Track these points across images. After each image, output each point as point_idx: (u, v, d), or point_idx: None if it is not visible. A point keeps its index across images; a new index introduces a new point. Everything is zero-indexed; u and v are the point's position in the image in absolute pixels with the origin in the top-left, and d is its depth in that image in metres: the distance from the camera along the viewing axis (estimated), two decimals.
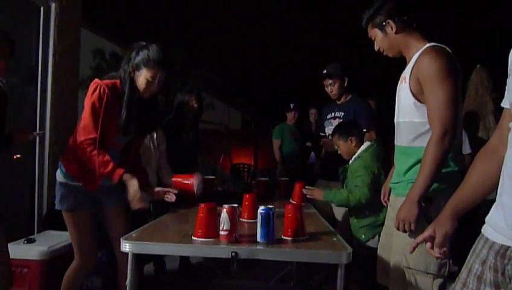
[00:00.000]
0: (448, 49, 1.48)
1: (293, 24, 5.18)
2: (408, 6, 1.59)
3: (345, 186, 2.36)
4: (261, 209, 1.35)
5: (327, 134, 2.82)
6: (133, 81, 1.76)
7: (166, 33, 6.01)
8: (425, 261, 1.48)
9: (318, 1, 4.50)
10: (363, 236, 2.19)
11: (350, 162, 2.35)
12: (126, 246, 1.29)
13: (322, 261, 1.27)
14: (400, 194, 1.61)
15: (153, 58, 1.72)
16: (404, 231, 1.46)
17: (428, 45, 1.50)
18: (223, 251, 1.26)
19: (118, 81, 1.76)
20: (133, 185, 1.64)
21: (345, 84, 2.74)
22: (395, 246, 1.59)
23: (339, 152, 2.42)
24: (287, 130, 4.29)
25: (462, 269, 1.03)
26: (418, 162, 1.52)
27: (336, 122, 2.76)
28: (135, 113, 1.74)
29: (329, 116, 2.84)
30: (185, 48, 6.24)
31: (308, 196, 2.35)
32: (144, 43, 1.78)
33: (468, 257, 1.02)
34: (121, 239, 1.31)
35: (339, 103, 2.80)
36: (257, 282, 2.78)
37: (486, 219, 1.00)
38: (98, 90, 1.68)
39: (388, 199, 1.92)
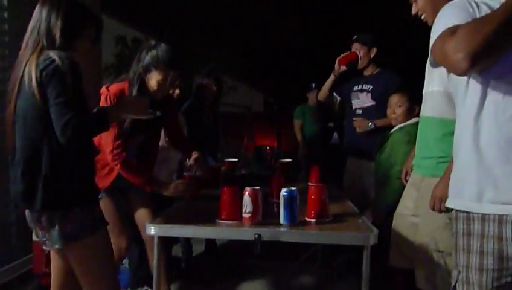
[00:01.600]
0: None
1: (314, 5, 5.02)
2: None
3: (379, 153, 2.28)
4: (283, 191, 1.33)
5: (354, 107, 2.74)
6: (143, 84, 1.75)
7: (186, 17, 5.98)
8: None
9: None
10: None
11: (393, 130, 2.25)
12: (151, 230, 1.31)
13: (347, 243, 1.25)
14: (428, 175, 1.54)
15: (162, 59, 1.69)
16: (440, 211, 1.39)
17: None
18: (246, 233, 1.26)
19: (127, 85, 1.75)
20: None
21: (372, 55, 2.62)
22: (422, 228, 1.54)
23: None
24: (308, 111, 4.22)
25: (458, 256, 1.01)
26: (449, 134, 1.44)
27: (363, 95, 2.65)
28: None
29: (355, 88, 2.70)
30: (206, 31, 6.20)
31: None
32: (153, 43, 1.75)
33: (458, 240, 1.02)
34: (146, 223, 1.33)
35: (366, 74, 2.68)
36: (282, 262, 2.80)
37: (456, 195, 1.02)
38: (107, 101, 1.70)
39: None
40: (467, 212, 0.99)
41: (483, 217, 0.96)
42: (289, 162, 2.69)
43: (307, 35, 6.15)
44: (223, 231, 1.31)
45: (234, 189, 1.38)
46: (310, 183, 2.29)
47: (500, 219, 0.93)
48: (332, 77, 2.76)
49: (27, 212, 1.25)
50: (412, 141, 2.08)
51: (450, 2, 1.13)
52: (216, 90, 2.72)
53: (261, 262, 2.73)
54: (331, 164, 4.03)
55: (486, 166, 0.96)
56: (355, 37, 2.66)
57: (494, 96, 0.95)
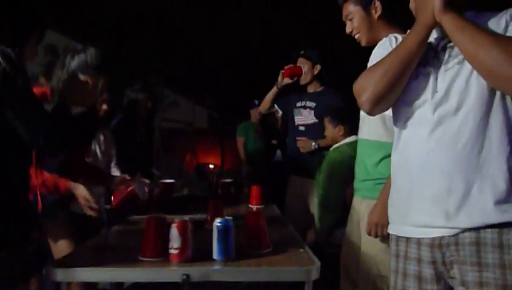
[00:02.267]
0: None
1: (259, 19, 5.04)
2: None
3: (318, 173, 2.26)
4: (217, 222, 1.18)
5: (296, 124, 2.69)
6: None
7: (123, 26, 5.69)
8: None
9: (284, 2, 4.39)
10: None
11: (330, 150, 2.25)
12: (57, 274, 1.08)
13: (287, 280, 1.12)
14: (367, 197, 1.50)
15: (91, 63, 1.53)
16: (376, 236, 1.35)
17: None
18: (172, 273, 1.09)
19: (49, 91, 1.55)
20: (80, 191, 1.57)
21: (316, 72, 2.61)
22: (364, 252, 1.48)
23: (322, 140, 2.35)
24: (250, 128, 4.16)
25: (394, 278, 1.02)
26: (386, 157, 1.42)
27: (306, 112, 2.63)
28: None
29: (298, 104, 2.68)
30: (146, 42, 5.94)
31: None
32: (80, 47, 1.59)
33: (393, 262, 1.03)
34: (50, 265, 1.10)
35: (309, 92, 2.67)
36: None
37: (393, 219, 1.04)
38: None
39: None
40: (395, 234, 1.03)
41: (407, 240, 0.99)
42: (230, 182, 2.56)
43: (252, 50, 6.16)
44: (145, 273, 1.12)
45: (160, 220, 1.20)
46: (249, 206, 2.18)
47: (419, 241, 0.96)
48: (274, 89, 2.73)
49: None
50: (346, 160, 2.08)
51: (381, 41, 1.14)
52: (151, 105, 2.54)
53: None
54: (274, 182, 3.97)
55: (399, 189, 1.01)
56: (302, 52, 2.66)
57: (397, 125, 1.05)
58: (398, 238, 1.02)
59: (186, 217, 1.20)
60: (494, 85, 0.88)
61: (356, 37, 1.50)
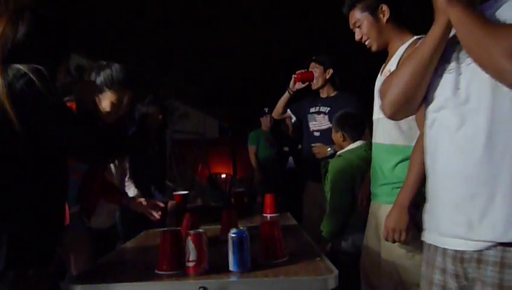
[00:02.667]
0: None
1: (268, 28, 5.08)
2: None
3: (325, 180, 2.24)
4: (231, 233, 1.18)
5: (311, 130, 2.67)
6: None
7: (135, 42, 5.80)
8: (419, 273, 1.36)
9: (291, 10, 4.42)
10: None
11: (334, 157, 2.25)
12: None
13: (305, 289, 1.11)
14: (384, 201, 1.49)
15: (117, 78, 1.59)
16: (394, 241, 1.33)
17: (416, 37, 1.40)
18: (189, 286, 1.09)
19: (74, 105, 1.59)
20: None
21: (327, 76, 2.60)
22: (384, 258, 1.46)
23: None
24: (262, 136, 4.16)
25: (422, 284, 0.99)
26: (403, 160, 1.40)
27: (320, 117, 2.62)
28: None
29: (312, 109, 2.68)
30: (156, 57, 6.03)
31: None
32: (105, 63, 1.64)
33: (423, 268, 1.00)
34: (68, 281, 1.11)
35: (322, 97, 2.65)
36: None
37: (426, 226, 1.00)
38: None
39: (366, 204, 1.81)
40: (425, 241, 1.01)
41: (435, 248, 0.96)
42: (242, 191, 2.56)
43: (261, 59, 6.19)
44: (162, 287, 1.12)
45: (175, 233, 1.21)
46: (264, 214, 2.17)
47: (444, 251, 0.93)
48: (286, 94, 2.74)
49: None
50: (348, 168, 2.07)
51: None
52: (161, 118, 2.57)
53: None
54: (288, 190, 3.95)
55: (433, 197, 0.96)
56: (314, 57, 2.66)
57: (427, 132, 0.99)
58: (428, 245, 0.99)
59: (201, 229, 1.20)
60: (495, 79, 0.82)
61: (366, 43, 1.50)
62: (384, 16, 1.44)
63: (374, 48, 1.50)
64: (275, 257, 1.24)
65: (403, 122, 1.39)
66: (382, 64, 1.54)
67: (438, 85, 0.94)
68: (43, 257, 1.01)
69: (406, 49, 1.39)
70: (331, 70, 2.61)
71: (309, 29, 4.92)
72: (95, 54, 6.20)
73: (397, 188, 1.41)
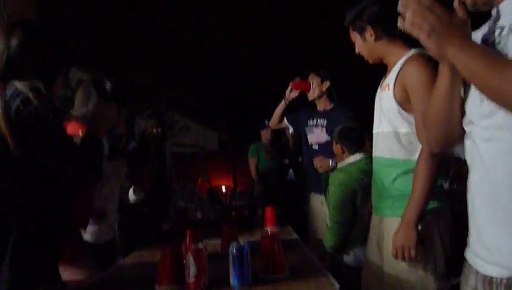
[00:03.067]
0: None
1: (265, 41, 5.14)
2: (391, 13, 1.49)
3: (327, 193, 2.24)
4: (232, 247, 1.17)
5: (310, 143, 2.68)
6: None
7: (134, 57, 5.85)
8: (423, 287, 1.34)
9: (292, 21, 4.48)
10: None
11: (334, 171, 2.24)
12: None
13: None
14: (386, 215, 1.48)
15: (111, 93, 1.61)
16: (404, 259, 1.31)
17: (413, 51, 1.40)
18: None
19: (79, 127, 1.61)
20: None
21: (324, 88, 2.62)
22: (386, 272, 1.44)
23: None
24: (262, 149, 4.16)
25: None
26: (404, 173, 1.40)
27: (318, 130, 2.63)
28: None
29: (310, 122, 2.68)
30: (155, 71, 6.08)
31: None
32: (93, 78, 1.66)
33: (461, 284, 0.93)
34: None
35: (319, 110, 2.67)
36: None
37: (468, 240, 0.92)
38: None
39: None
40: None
41: (470, 265, 0.89)
42: (242, 205, 2.55)
43: (259, 71, 6.24)
44: None
45: (175, 249, 1.20)
46: (264, 228, 2.15)
47: (477, 271, 0.86)
48: (283, 103, 2.75)
49: None
50: (349, 182, 2.07)
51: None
52: (161, 131, 2.57)
53: None
54: (288, 202, 3.93)
55: (469, 215, 0.89)
56: (309, 68, 2.68)
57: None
58: (466, 260, 0.93)
59: (201, 244, 1.19)
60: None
61: (363, 56, 1.55)
62: (372, 36, 1.47)
63: (370, 62, 1.54)
64: (275, 271, 1.23)
65: (403, 137, 1.40)
66: (381, 77, 1.56)
67: (470, 97, 0.87)
68: (45, 276, 1.00)
69: (404, 63, 1.40)
70: (328, 83, 2.62)
71: (308, 41, 4.98)
72: (96, 69, 6.26)
73: (398, 201, 1.41)
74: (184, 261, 1.16)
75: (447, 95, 0.87)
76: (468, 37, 0.81)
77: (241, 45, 5.24)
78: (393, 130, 1.42)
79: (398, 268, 1.38)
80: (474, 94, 0.84)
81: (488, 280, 0.83)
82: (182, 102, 6.61)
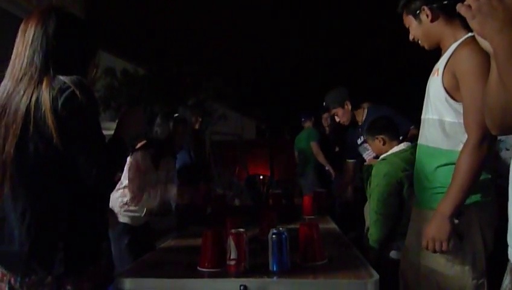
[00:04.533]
0: None
1: (303, 32, 5.08)
2: None
3: (368, 184, 2.19)
4: (272, 233, 1.20)
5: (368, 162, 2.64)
6: None
7: (175, 48, 6.00)
8: (460, 284, 1.30)
9: (327, 12, 4.40)
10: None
11: (377, 161, 2.19)
12: (124, 284, 1.16)
13: None
14: (425, 207, 1.43)
15: None
16: (435, 251, 1.28)
17: (470, 34, 1.30)
18: (230, 284, 1.12)
19: None
20: None
21: (349, 108, 2.56)
22: (424, 267, 1.40)
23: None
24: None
25: None
26: (446, 165, 1.35)
27: (368, 145, 2.60)
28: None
29: (359, 141, 2.65)
30: (195, 61, 6.20)
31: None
32: None
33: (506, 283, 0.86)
34: (119, 275, 1.18)
35: (360, 124, 2.60)
36: None
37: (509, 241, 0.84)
38: None
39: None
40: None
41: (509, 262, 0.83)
42: (279, 193, 2.57)
43: (297, 61, 6.18)
44: (205, 283, 1.16)
45: (217, 233, 1.25)
46: (303, 216, 2.17)
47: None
48: None
49: (13, 276, 1.00)
50: (393, 171, 2.00)
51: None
52: (200, 121, 2.69)
53: None
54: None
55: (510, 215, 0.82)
56: (324, 104, 2.66)
57: None
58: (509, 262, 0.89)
59: (242, 229, 1.23)
60: None
61: (419, 42, 1.47)
62: (428, 17, 1.39)
63: (426, 47, 1.46)
64: (314, 259, 1.24)
65: (448, 126, 1.34)
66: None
67: None
68: (95, 254, 1.08)
69: (457, 47, 1.32)
70: (347, 102, 2.56)
71: (344, 31, 4.86)
72: (138, 59, 6.49)
73: (437, 193, 1.35)
74: (225, 245, 1.21)
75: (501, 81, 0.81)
76: None
77: (281, 35, 5.21)
78: (438, 118, 1.36)
79: (435, 263, 1.34)
80: None
81: None
82: (221, 91, 6.70)
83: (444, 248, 1.24)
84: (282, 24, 4.92)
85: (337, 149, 4.13)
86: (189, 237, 1.83)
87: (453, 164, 1.28)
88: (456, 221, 1.25)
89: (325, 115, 4.39)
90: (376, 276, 1.11)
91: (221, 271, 1.18)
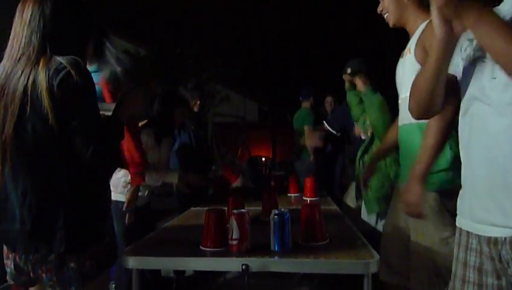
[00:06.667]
0: None
1: (305, 13, 4.99)
2: None
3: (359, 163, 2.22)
4: (273, 214, 1.20)
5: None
6: None
7: (177, 29, 5.91)
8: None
9: None
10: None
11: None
12: (129, 262, 1.18)
13: (344, 272, 1.12)
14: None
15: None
16: (413, 216, 1.31)
17: None
18: (232, 263, 1.14)
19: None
20: None
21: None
22: (415, 244, 1.43)
23: None
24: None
25: (455, 266, 0.99)
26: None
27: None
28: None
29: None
30: (198, 42, 6.13)
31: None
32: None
33: (455, 250, 1.00)
34: (122, 253, 1.20)
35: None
36: (279, 279, 2.65)
37: (459, 211, 1.00)
38: None
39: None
40: (459, 227, 1.01)
41: (468, 233, 0.96)
42: (281, 175, 2.58)
43: (299, 43, 6.09)
44: (207, 262, 1.18)
45: (219, 212, 1.26)
46: (304, 198, 2.18)
47: (479, 236, 0.93)
48: None
49: (18, 254, 1.03)
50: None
51: None
52: (200, 103, 2.67)
53: (254, 280, 2.58)
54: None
55: (468, 185, 0.96)
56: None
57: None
58: (460, 230, 1.00)
59: (244, 209, 1.24)
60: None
61: (385, 16, 1.51)
62: None
63: (390, 23, 1.50)
64: (315, 239, 1.25)
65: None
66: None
67: (472, 74, 0.92)
68: (97, 233, 1.09)
69: (427, 24, 1.35)
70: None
71: (348, 11, 4.76)
72: (138, 40, 6.41)
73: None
74: (227, 225, 1.22)
75: (436, 71, 0.93)
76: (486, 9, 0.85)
77: (281, 15, 5.12)
78: None
79: (429, 241, 1.37)
80: (482, 70, 0.90)
81: (493, 241, 0.89)
82: (223, 72, 6.64)
83: (418, 210, 1.26)
84: (284, 3, 4.82)
85: (338, 134, 4.10)
86: (191, 217, 1.85)
87: None
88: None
89: (329, 99, 4.32)
90: (377, 256, 1.12)
91: (224, 251, 1.20)
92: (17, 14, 1.06)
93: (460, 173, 1.25)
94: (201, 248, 1.23)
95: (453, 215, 1.27)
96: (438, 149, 1.24)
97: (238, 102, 8.02)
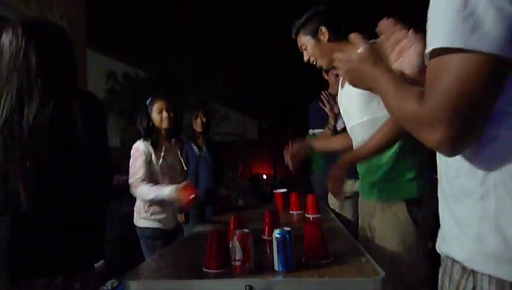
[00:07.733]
0: None
1: None
2: (342, 15, 1.58)
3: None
4: (276, 233, 1.20)
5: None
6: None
7: (175, 50, 6.00)
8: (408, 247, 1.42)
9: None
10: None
11: None
12: (131, 286, 1.16)
13: None
14: (377, 199, 1.52)
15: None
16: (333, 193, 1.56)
17: (372, 40, 1.39)
18: (236, 284, 1.12)
19: None
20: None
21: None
22: (379, 253, 1.46)
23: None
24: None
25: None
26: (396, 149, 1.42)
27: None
28: None
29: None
30: (196, 62, 6.21)
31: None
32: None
33: (440, 279, 0.83)
34: (124, 279, 1.19)
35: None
36: None
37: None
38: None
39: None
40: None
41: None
42: (284, 192, 2.57)
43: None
44: (210, 284, 1.16)
45: (221, 233, 1.25)
46: (306, 215, 2.17)
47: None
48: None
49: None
50: None
51: None
52: (205, 121, 2.72)
53: None
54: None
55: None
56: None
57: None
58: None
59: (246, 230, 1.23)
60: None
61: (315, 64, 1.60)
62: (324, 36, 1.53)
63: (324, 67, 1.60)
64: (318, 257, 1.24)
65: (382, 120, 1.37)
66: None
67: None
68: (100, 251, 1.10)
69: None
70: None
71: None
72: (138, 61, 6.50)
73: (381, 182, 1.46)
74: (230, 245, 1.21)
75: (395, 94, 0.85)
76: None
77: (281, 34, 5.21)
78: (368, 118, 1.43)
79: (389, 247, 1.44)
80: None
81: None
82: (222, 91, 6.71)
83: (335, 186, 1.44)
84: (282, 23, 4.92)
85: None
86: (193, 238, 1.84)
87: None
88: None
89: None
90: (382, 273, 1.11)
91: (227, 272, 1.18)
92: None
93: (426, 182, 1.35)
94: (204, 269, 1.22)
95: (417, 223, 1.36)
96: (377, 151, 1.33)
97: (237, 120, 8.06)
